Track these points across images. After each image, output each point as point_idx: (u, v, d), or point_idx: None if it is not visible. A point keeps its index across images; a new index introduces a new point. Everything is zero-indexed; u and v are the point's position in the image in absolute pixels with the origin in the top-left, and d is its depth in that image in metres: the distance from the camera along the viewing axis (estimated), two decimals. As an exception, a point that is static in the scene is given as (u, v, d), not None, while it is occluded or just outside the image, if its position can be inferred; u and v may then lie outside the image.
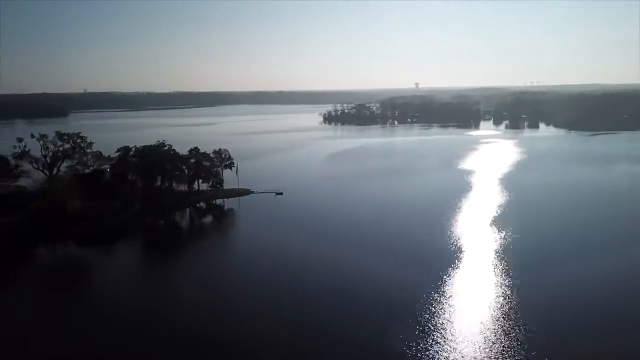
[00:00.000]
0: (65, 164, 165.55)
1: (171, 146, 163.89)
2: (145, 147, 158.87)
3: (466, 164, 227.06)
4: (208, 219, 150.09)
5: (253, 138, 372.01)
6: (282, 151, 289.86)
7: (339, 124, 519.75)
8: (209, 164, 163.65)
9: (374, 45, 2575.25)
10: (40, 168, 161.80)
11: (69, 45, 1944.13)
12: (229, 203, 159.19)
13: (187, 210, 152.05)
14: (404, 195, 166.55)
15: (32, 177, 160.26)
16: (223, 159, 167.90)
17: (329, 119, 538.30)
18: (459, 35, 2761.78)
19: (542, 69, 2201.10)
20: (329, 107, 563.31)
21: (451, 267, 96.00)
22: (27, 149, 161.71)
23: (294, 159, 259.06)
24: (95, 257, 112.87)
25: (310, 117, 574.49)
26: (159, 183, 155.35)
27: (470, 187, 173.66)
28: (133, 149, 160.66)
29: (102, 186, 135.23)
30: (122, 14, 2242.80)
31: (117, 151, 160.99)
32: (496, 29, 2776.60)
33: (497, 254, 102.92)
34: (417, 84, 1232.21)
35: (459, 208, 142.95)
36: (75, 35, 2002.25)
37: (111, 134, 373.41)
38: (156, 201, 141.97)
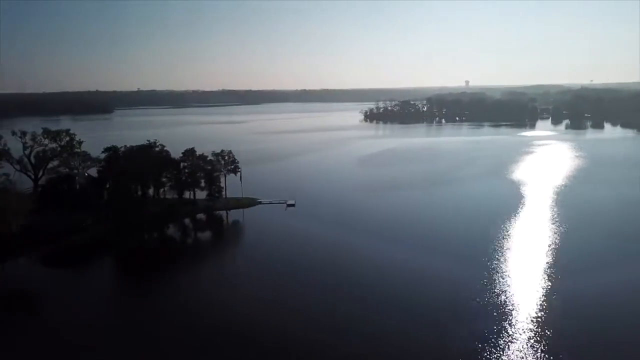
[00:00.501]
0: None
1: (164, 147, 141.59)
2: (132, 147, 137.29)
3: (520, 171, 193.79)
4: (198, 235, 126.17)
5: (284, 137, 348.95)
6: (309, 153, 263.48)
7: (380, 122, 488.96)
8: (210, 168, 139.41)
9: (423, 43, 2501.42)
10: (23, 170, 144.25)
11: (122, 44, 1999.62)
12: (231, 215, 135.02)
13: (175, 224, 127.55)
14: (443, 211, 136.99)
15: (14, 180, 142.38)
16: (226, 162, 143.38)
17: (370, 117, 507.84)
18: (512, 32, 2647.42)
19: (603, 66, 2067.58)
20: (371, 105, 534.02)
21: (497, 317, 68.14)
22: (6, 148, 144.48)
23: (319, 163, 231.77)
24: (44, 283, 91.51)
25: (352, 115, 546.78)
26: (140, 191, 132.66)
27: (523, 202, 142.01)
28: (122, 150, 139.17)
29: (70, 195, 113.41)
30: (173, 15, 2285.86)
31: (103, 151, 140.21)
32: (552, 25, 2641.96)
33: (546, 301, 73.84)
34: (467, 82, 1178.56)
35: (505, 233, 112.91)
36: (129, 34, 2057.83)
37: (143, 131, 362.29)
38: (136, 213, 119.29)
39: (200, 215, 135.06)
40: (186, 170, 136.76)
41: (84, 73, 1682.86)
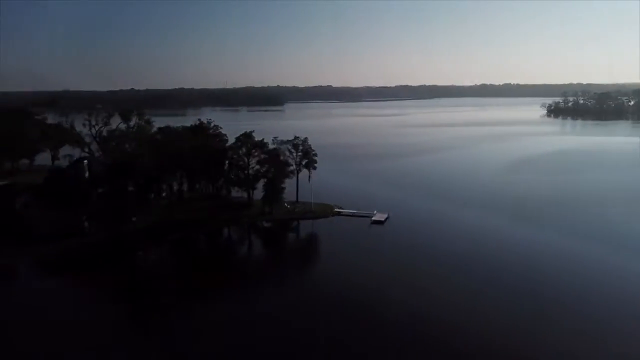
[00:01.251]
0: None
1: (218, 128, 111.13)
2: (184, 128, 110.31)
3: None
4: (238, 252, 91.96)
5: (435, 131, 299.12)
6: (453, 149, 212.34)
7: (568, 117, 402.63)
8: (282, 160, 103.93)
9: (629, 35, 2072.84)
10: (87, 151, 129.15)
11: (311, 44, 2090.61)
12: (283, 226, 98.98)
13: (209, 234, 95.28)
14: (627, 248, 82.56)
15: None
16: (301, 153, 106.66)
17: (555, 111, 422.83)
18: None
19: None
20: (557, 99, 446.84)
21: None
22: (74, 129, 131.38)
23: (458, 163, 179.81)
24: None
25: (534, 110, 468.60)
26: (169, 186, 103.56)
27: None
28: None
29: (69, 188, 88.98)
30: (350, 16, 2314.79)
31: (156, 132, 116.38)
32: None
33: None
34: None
35: None
36: (308, 34, 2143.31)
37: (297, 121, 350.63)
38: (144, 215, 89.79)
39: (263, 223, 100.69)
40: (228, 163, 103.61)
41: (270, 69, 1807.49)
